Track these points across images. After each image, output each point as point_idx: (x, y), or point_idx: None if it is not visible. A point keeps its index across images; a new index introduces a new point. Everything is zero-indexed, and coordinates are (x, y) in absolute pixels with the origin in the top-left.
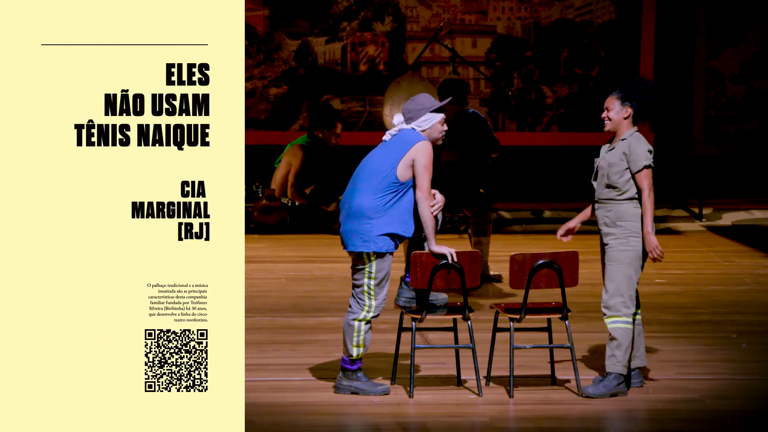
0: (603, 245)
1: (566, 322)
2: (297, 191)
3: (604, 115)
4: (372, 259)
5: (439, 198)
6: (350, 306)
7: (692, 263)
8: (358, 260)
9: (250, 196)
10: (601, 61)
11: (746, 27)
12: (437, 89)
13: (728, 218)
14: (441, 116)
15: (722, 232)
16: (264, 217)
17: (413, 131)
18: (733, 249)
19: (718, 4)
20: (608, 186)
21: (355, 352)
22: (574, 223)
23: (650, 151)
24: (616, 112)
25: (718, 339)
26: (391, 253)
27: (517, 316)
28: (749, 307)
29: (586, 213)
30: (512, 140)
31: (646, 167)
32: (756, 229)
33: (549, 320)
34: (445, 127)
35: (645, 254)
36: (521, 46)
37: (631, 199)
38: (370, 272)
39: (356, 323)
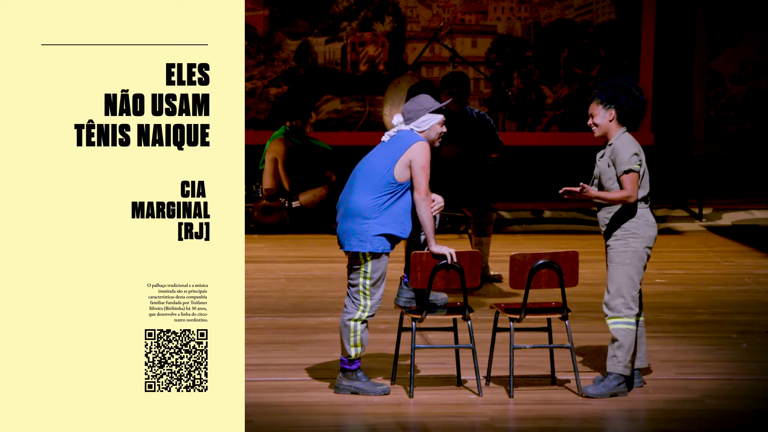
0: (605, 247)
1: (566, 322)
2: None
3: (590, 122)
4: (368, 259)
5: (439, 199)
6: (345, 306)
7: (692, 263)
8: (354, 260)
9: (250, 196)
10: (601, 61)
11: (746, 27)
12: (439, 83)
13: (728, 218)
14: (440, 117)
15: (722, 232)
16: (264, 217)
17: (411, 132)
18: (733, 249)
19: (718, 4)
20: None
21: (353, 352)
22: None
23: (636, 154)
24: (601, 117)
25: (718, 339)
26: (387, 254)
27: (517, 316)
28: (749, 307)
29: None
30: (512, 140)
31: (626, 171)
32: (756, 229)
33: (549, 320)
34: (444, 129)
35: (647, 255)
36: (521, 46)
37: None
38: (365, 272)
39: (352, 323)
